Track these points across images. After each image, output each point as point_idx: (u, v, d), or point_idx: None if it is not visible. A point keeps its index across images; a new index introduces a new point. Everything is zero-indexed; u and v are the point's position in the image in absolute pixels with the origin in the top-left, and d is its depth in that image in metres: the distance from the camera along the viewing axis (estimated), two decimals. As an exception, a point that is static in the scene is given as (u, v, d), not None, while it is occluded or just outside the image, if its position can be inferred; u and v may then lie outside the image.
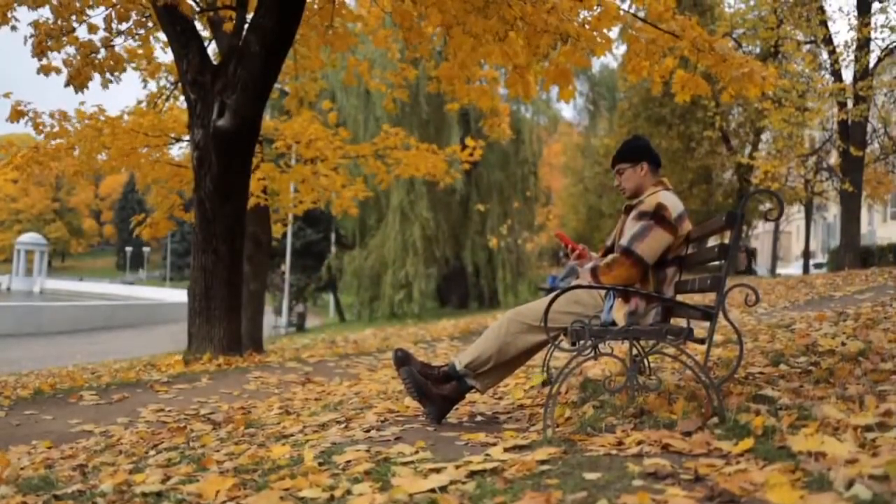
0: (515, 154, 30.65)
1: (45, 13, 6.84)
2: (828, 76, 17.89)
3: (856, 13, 17.12)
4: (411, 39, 7.61)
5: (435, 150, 11.85)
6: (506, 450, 2.40)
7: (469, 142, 12.12)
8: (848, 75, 17.80)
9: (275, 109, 17.46)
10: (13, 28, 7.02)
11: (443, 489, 2.00)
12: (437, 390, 3.33)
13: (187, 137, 8.81)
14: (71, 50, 7.14)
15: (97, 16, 7.15)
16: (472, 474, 2.13)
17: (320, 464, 2.46)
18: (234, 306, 7.26)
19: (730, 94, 6.53)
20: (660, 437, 2.30)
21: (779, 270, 31.16)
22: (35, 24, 6.85)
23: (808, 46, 18.37)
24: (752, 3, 19.10)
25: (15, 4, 6.75)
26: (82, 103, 9.01)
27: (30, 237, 65.55)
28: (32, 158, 9.02)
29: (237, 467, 2.56)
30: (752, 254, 27.53)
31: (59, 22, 6.84)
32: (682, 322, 3.32)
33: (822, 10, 17.01)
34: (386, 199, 28.13)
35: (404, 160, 11.62)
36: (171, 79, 10.49)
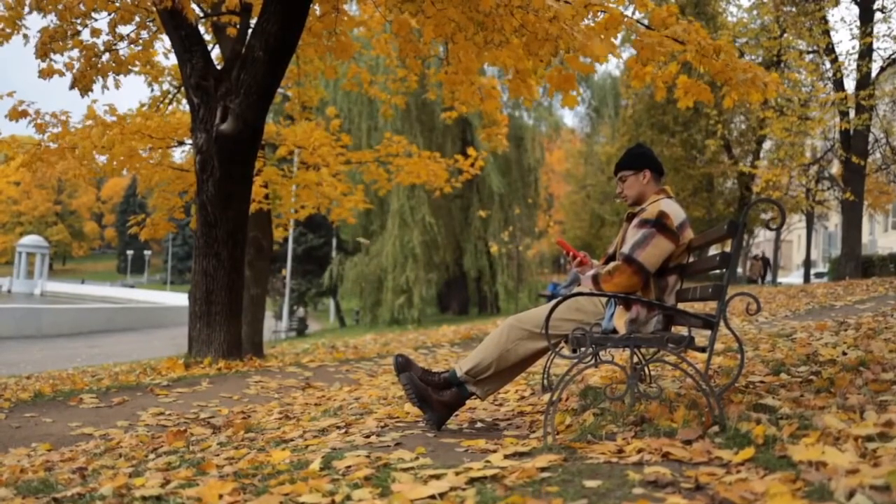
0: (517, 161, 30.70)
1: (53, 19, 6.86)
2: (830, 85, 17.92)
3: (858, 23, 17.16)
4: (407, 51, 7.62)
5: (436, 158, 11.86)
6: (506, 456, 2.39)
7: (471, 151, 12.14)
8: (850, 85, 17.83)
9: (278, 114, 17.51)
10: (24, 36, 7.07)
11: (442, 495, 1.99)
12: (437, 396, 3.33)
13: (190, 141, 8.82)
14: (74, 53, 7.17)
15: (102, 20, 7.17)
16: (472, 481, 2.13)
17: (320, 469, 2.46)
18: (235, 311, 7.26)
19: (732, 100, 6.52)
20: (660, 445, 2.29)
21: (780, 279, 31.15)
22: (42, 29, 6.88)
23: (810, 56, 18.41)
24: (754, 12, 19.15)
25: (25, 11, 6.79)
26: (94, 101, 9.03)
27: (31, 240, 65.57)
28: (35, 155, 9.02)
29: (237, 472, 2.56)
30: (767, 263, 27.35)
31: (64, 26, 6.87)
32: (683, 330, 3.32)
33: (824, 19, 17.05)
34: (388, 204, 28.18)
35: (405, 167, 11.63)
36: (175, 83, 10.52)
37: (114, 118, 8.95)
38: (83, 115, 8.98)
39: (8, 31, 6.97)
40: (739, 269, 28.76)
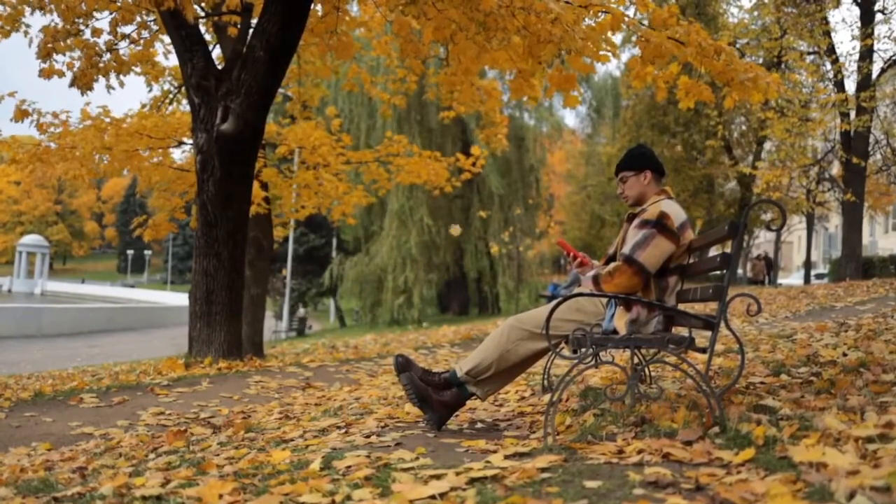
0: (518, 161, 30.70)
1: (54, 18, 6.87)
2: (830, 87, 17.93)
3: (858, 24, 17.17)
4: (408, 51, 7.63)
5: (437, 157, 11.86)
6: (506, 457, 2.39)
7: (475, 150, 12.14)
8: (850, 86, 17.83)
9: (278, 114, 17.51)
10: (25, 34, 7.07)
11: (443, 496, 1.99)
12: (437, 397, 3.33)
13: (190, 141, 8.83)
14: (75, 53, 7.17)
15: (103, 19, 7.18)
16: (472, 481, 2.13)
17: (320, 469, 2.46)
18: (236, 310, 7.26)
19: (733, 100, 6.51)
20: (660, 445, 2.29)
21: (780, 280, 31.15)
22: (44, 29, 6.89)
23: (811, 57, 18.41)
24: (755, 13, 19.15)
25: (27, 10, 6.80)
26: (88, 104, 9.03)
27: (31, 239, 65.55)
28: (35, 155, 9.03)
29: (237, 471, 2.56)
30: (770, 263, 27.21)
31: (66, 25, 6.87)
32: (683, 331, 3.32)
33: (825, 20, 17.05)
34: (387, 204, 28.20)
35: (406, 167, 11.63)
36: (175, 83, 10.53)
37: (108, 119, 8.95)
38: (78, 116, 9.00)
39: (7, 28, 6.98)
40: (740, 270, 28.75)
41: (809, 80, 18.25)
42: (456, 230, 18.74)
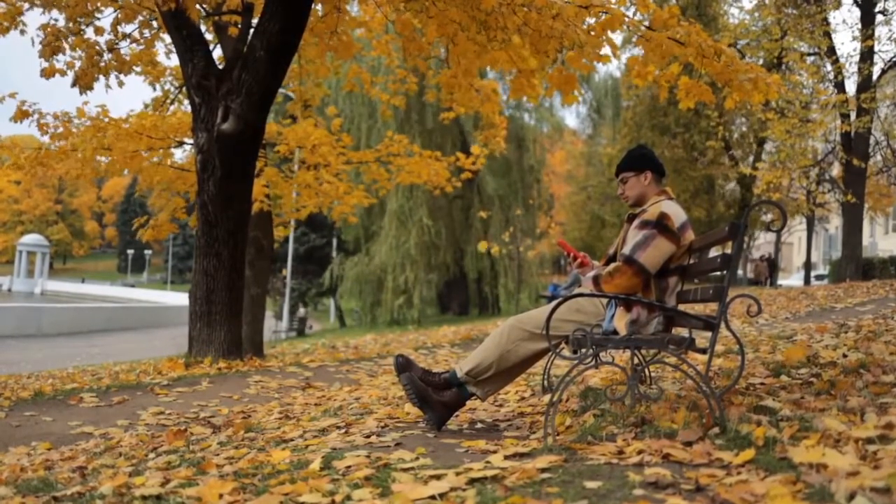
0: (518, 162, 30.72)
1: (54, 15, 6.87)
2: (831, 88, 17.93)
3: (859, 25, 17.17)
4: (410, 50, 7.63)
5: (438, 157, 11.87)
6: (506, 457, 2.39)
7: (475, 150, 12.15)
8: (851, 87, 17.83)
9: (279, 114, 17.50)
10: (21, 32, 7.07)
11: (443, 496, 1.99)
12: (437, 397, 3.33)
13: (191, 140, 8.82)
14: (76, 52, 7.18)
15: (106, 17, 7.19)
16: (472, 481, 2.12)
17: (320, 469, 2.46)
18: (236, 310, 7.26)
19: (734, 101, 6.51)
20: (660, 446, 2.29)
21: (780, 281, 31.15)
22: (44, 28, 6.89)
23: (811, 58, 18.41)
24: (756, 14, 19.15)
25: (25, 6, 6.80)
26: (86, 103, 9.02)
27: (32, 238, 65.62)
28: (35, 159, 9.03)
29: (237, 471, 2.56)
30: (773, 265, 27.14)
31: (69, 24, 6.88)
32: (683, 331, 3.32)
33: (825, 21, 17.05)
34: (387, 205, 28.21)
35: (406, 167, 11.64)
36: (176, 83, 10.52)
37: (106, 119, 8.94)
38: (74, 115, 8.99)
39: (6, 25, 6.98)
40: (740, 271, 28.75)
41: (810, 81, 18.26)
42: (484, 245, 21.73)
